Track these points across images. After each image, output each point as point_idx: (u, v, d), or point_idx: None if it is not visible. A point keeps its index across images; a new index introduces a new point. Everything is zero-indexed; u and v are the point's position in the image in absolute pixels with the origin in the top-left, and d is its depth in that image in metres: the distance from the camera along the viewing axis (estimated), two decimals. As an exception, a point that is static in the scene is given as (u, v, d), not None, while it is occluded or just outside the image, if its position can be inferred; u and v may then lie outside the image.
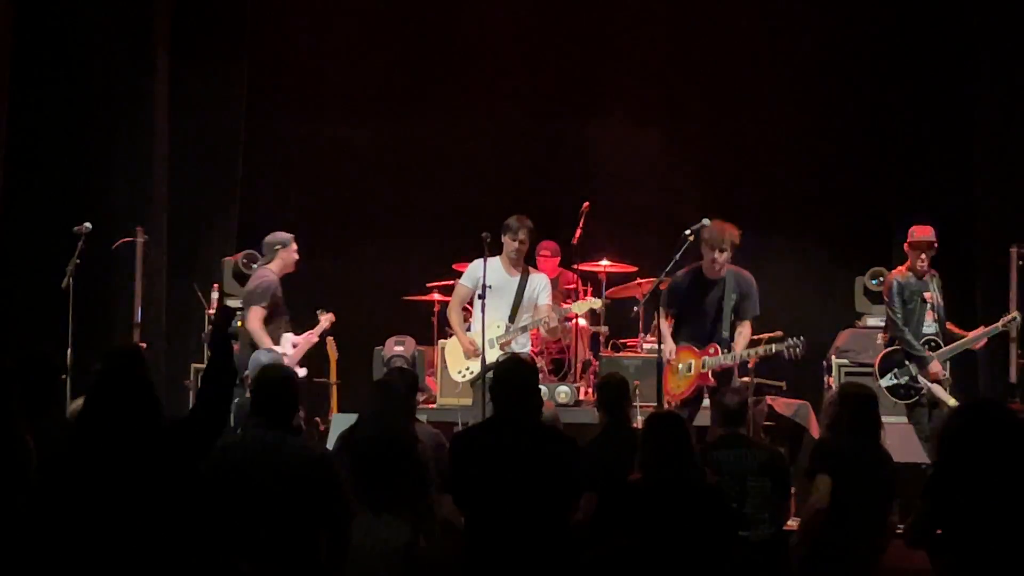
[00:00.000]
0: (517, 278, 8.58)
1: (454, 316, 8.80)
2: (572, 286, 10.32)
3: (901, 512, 6.09)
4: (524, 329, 8.59)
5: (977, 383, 10.02)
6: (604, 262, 10.16)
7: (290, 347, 8.65)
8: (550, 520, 5.15)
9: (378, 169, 11.63)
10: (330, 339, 9.75)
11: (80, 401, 4.80)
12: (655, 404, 8.12)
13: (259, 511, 4.94)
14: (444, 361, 9.19)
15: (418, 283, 10.62)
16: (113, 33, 10.35)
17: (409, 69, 11.66)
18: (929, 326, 8.52)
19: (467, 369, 8.47)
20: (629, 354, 9.92)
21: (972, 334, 8.58)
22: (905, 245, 8.66)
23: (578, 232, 10.18)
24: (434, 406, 9.35)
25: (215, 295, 10.10)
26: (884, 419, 6.34)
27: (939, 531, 4.74)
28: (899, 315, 8.47)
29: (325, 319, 8.99)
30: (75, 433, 4.56)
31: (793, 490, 7.03)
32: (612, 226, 10.73)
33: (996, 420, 4.75)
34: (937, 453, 4.92)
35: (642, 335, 9.96)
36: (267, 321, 8.59)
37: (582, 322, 9.98)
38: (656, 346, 8.33)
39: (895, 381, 8.46)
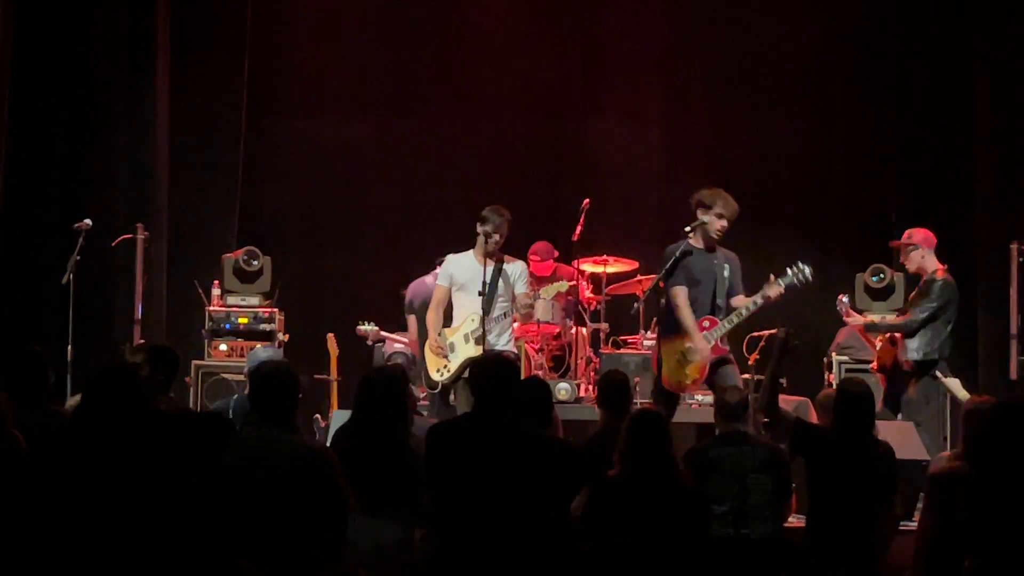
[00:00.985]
0: (491, 268, 8.34)
1: (431, 316, 8.62)
2: (572, 283, 10.31)
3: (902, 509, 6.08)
4: (498, 320, 8.34)
5: (977, 380, 10.01)
6: (605, 258, 10.18)
7: None
8: (522, 517, 5.07)
9: (378, 167, 11.63)
10: (331, 336, 9.74)
11: (77, 398, 4.80)
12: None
13: (257, 506, 4.93)
14: (424, 361, 9.13)
15: (418, 282, 10.61)
16: (113, 32, 10.37)
17: (409, 68, 11.65)
18: None
19: (444, 368, 8.38)
20: (630, 351, 9.92)
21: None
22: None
23: (579, 229, 10.18)
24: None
25: (216, 292, 10.10)
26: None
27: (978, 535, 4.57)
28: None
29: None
30: (68, 430, 4.57)
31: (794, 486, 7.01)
32: (612, 223, 10.73)
33: None
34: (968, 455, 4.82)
35: (643, 332, 9.96)
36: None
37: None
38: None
39: None
